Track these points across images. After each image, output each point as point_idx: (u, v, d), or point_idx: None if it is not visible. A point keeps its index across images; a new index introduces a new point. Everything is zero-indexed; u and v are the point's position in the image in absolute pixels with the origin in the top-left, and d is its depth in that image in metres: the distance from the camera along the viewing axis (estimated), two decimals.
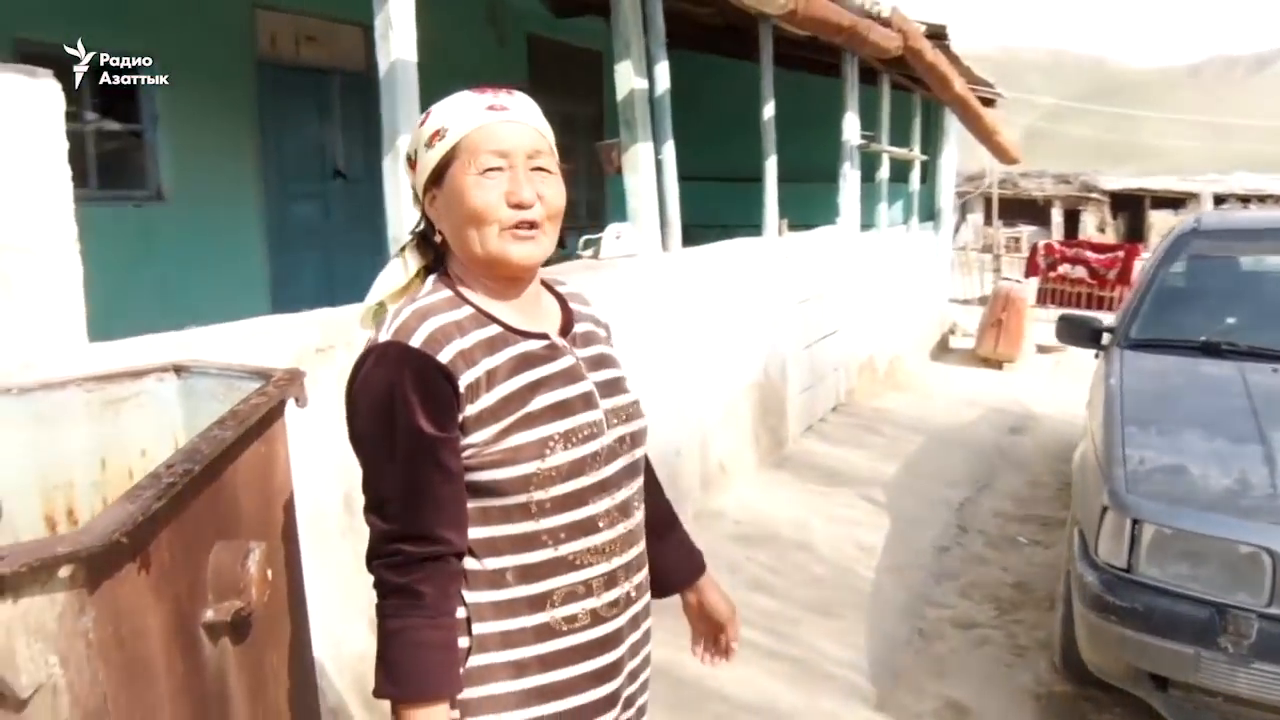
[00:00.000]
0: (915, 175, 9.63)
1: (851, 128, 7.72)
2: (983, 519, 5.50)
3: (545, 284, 1.61)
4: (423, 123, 1.48)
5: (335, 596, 2.65)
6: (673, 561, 1.74)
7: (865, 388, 8.35)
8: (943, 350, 10.99)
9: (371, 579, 1.38)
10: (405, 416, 1.34)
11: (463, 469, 1.39)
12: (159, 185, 6.29)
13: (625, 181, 4.88)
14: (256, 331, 2.60)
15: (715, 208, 8.45)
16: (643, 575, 1.58)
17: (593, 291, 4.94)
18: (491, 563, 1.42)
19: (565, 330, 1.55)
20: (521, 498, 1.41)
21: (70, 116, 6.49)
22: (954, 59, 7.96)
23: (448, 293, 1.46)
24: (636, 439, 1.57)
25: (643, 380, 4.63)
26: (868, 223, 8.55)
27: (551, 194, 1.45)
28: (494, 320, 1.45)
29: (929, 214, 10.66)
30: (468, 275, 1.48)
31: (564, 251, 5.11)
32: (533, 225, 1.43)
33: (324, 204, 7.52)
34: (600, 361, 1.57)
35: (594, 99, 9.89)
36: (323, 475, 2.63)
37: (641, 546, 1.58)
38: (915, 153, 9.37)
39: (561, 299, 1.61)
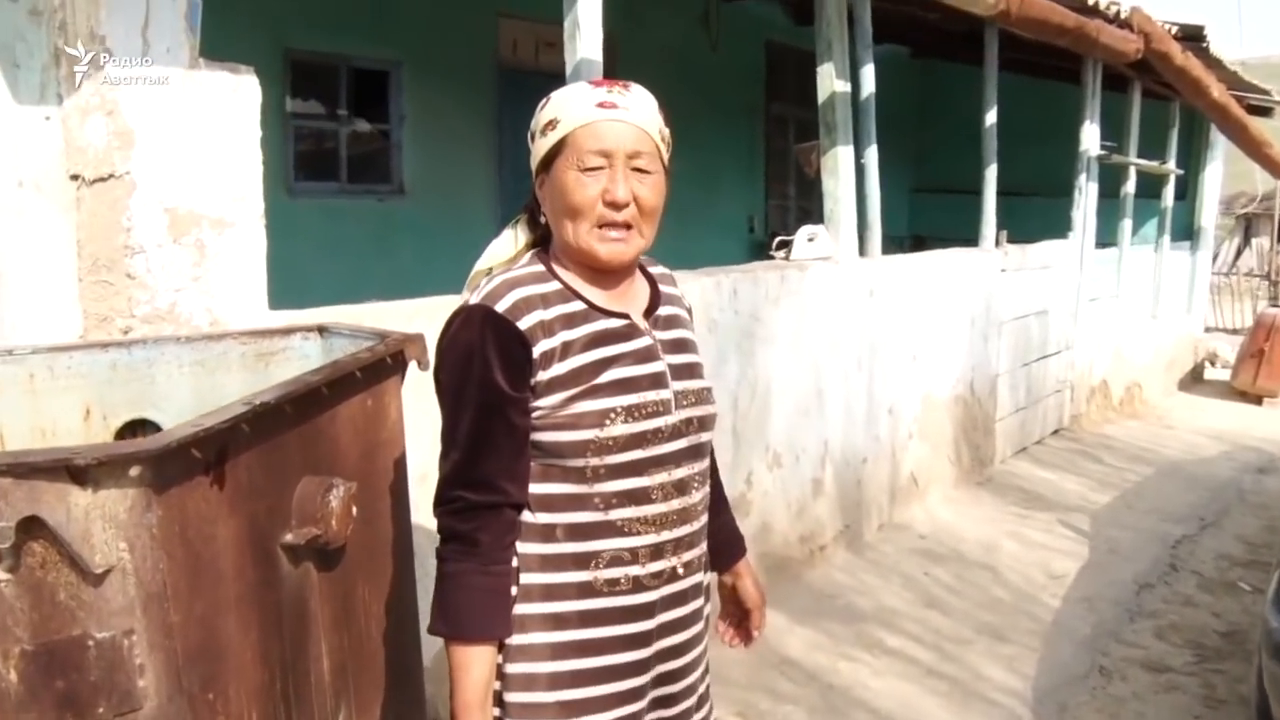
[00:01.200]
0: (1169, 191, 8.93)
1: (1091, 138, 7.30)
2: (1200, 559, 5.09)
3: (639, 265, 1.69)
4: (542, 107, 1.59)
5: None
6: (716, 544, 1.77)
7: (1095, 413, 7.88)
8: (1195, 380, 10.15)
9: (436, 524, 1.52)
10: (481, 373, 1.46)
11: (529, 428, 1.49)
12: (401, 180, 6.82)
13: (823, 184, 4.87)
14: (425, 308, 2.82)
15: (952, 220, 8.15)
16: (694, 554, 1.62)
17: (776, 290, 4.91)
18: (544, 517, 1.52)
19: (650, 312, 1.63)
20: (579, 461, 1.50)
21: (329, 116, 7.10)
22: (1212, 63, 7.33)
23: (540, 267, 1.57)
24: (704, 423, 1.62)
25: (826, 382, 4.62)
26: (1107, 240, 8.05)
27: (647, 194, 1.52)
28: (579, 297, 1.55)
29: (1185, 233, 9.86)
30: (564, 255, 1.58)
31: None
32: (627, 226, 1.52)
33: None
34: (679, 345, 1.64)
35: None
36: None
37: (697, 526, 1.62)
38: (1169, 166, 8.70)
39: (652, 281, 1.69)
